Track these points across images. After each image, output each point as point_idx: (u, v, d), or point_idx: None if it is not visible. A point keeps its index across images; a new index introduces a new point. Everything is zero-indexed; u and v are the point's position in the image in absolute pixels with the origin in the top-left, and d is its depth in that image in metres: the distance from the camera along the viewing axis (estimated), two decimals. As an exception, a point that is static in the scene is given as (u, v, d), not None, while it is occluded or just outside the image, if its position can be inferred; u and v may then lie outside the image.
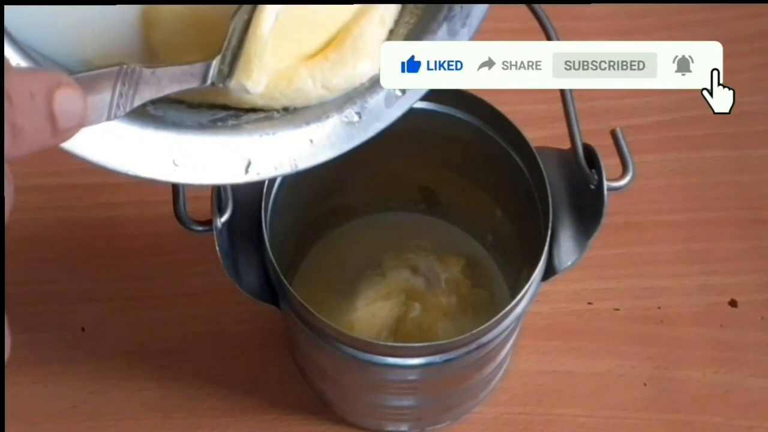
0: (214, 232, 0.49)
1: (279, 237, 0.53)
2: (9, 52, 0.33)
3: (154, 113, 0.38)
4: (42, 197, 0.68)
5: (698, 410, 0.62)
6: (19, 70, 0.27)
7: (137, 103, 0.34)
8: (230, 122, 0.40)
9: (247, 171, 0.39)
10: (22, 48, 0.34)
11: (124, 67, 0.33)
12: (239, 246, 0.51)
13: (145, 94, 0.34)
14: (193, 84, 0.37)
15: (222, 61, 0.37)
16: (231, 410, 0.62)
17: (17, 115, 0.26)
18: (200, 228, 0.49)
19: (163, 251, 0.67)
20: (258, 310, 0.52)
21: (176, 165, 0.37)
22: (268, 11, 0.37)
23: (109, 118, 0.33)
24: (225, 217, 0.49)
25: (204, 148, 0.38)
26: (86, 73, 0.32)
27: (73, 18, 0.37)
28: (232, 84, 0.38)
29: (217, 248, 0.49)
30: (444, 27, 0.41)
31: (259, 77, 0.38)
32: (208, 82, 0.37)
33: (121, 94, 0.33)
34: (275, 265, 0.49)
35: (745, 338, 0.64)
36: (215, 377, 0.63)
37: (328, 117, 0.40)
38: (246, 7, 0.38)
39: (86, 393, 0.62)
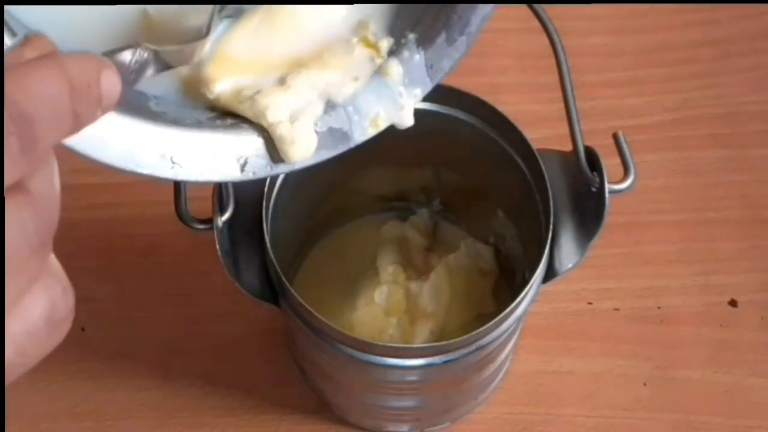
0: (215, 231, 0.49)
1: (280, 236, 0.53)
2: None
3: (155, 110, 0.39)
4: (42, 197, 0.68)
5: (698, 410, 0.62)
6: (69, 56, 0.28)
7: (142, 80, 0.35)
8: (229, 121, 0.40)
9: (242, 170, 0.39)
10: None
11: (137, 48, 0.34)
12: (240, 245, 0.52)
13: (150, 71, 0.35)
14: (188, 59, 0.38)
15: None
16: (231, 410, 0.62)
17: (78, 103, 0.27)
18: (201, 226, 0.49)
19: (163, 251, 0.67)
20: (258, 309, 0.52)
21: (174, 162, 0.37)
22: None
23: None
24: (226, 216, 0.49)
25: (202, 146, 0.38)
26: (110, 52, 0.33)
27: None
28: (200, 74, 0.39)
29: (217, 247, 0.49)
30: (443, 35, 0.41)
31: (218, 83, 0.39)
32: (195, 60, 0.38)
33: (131, 72, 0.33)
34: (276, 264, 0.49)
35: (745, 338, 0.64)
36: (215, 377, 0.63)
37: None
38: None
39: (87, 393, 0.62)
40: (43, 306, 0.28)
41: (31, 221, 0.26)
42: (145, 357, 0.64)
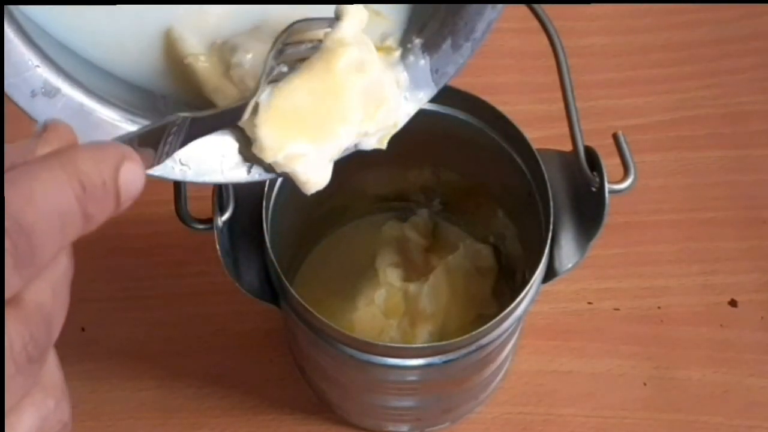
0: (215, 231, 0.49)
1: (280, 236, 0.53)
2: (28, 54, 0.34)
3: (164, 110, 0.39)
4: (42, 197, 0.68)
5: (698, 410, 0.62)
6: (85, 150, 0.26)
7: (180, 148, 0.34)
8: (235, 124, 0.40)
9: (249, 171, 0.40)
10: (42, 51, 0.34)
11: (172, 119, 0.33)
12: (240, 245, 0.52)
13: (188, 140, 0.34)
14: (231, 123, 0.37)
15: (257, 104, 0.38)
16: (231, 410, 0.62)
17: (90, 204, 0.25)
18: (201, 226, 0.49)
19: (163, 251, 0.67)
20: (258, 309, 0.52)
21: (182, 164, 0.38)
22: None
23: (152, 167, 0.33)
24: (226, 216, 0.49)
25: (209, 148, 0.38)
26: (140, 131, 0.31)
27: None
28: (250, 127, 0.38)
29: (217, 247, 0.49)
30: (449, 41, 0.41)
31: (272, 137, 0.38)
32: (245, 118, 0.37)
33: (166, 143, 0.33)
34: (276, 264, 0.49)
35: (745, 338, 0.64)
36: (215, 377, 0.63)
37: None
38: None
39: (86, 393, 0.62)
40: (31, 423, 0.26)
41: (18, 338, 0.24)
42: (145, 357, 0.64)
